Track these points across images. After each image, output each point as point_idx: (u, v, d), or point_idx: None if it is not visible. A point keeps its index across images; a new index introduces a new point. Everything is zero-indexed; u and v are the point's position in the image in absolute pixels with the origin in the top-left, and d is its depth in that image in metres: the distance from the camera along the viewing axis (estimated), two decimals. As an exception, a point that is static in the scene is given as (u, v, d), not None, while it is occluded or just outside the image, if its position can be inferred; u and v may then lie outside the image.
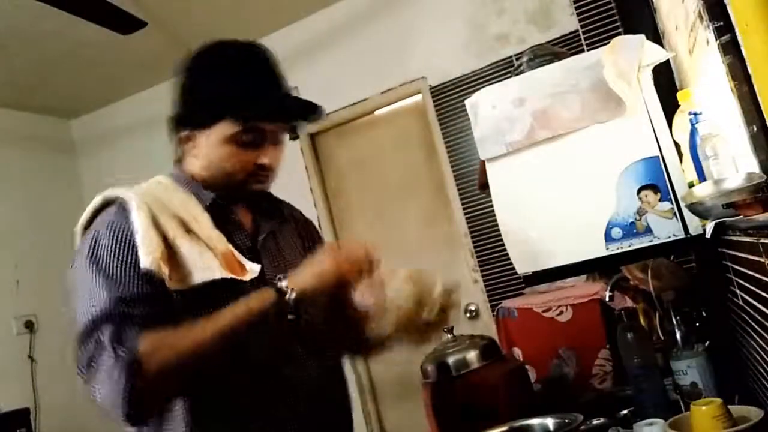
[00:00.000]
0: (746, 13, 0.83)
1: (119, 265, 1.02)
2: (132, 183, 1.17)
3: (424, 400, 1.55)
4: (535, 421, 1.30)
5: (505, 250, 1.36)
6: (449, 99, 3.14)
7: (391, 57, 3.27)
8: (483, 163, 1.39)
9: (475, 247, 3.09)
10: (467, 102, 1.38)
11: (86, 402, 0.98)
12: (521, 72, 1.44)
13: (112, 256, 1.02)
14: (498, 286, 3.04)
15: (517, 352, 2.13)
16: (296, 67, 3.48)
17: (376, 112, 3.42)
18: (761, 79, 0.85)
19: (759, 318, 1.01)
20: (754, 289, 0.99)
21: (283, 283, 1.04)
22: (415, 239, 3.31)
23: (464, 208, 3.11)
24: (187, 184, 1.17)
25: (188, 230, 1.09)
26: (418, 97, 3.27)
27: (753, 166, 0.95)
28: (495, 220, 1.37)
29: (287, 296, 1.03)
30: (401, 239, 3.33)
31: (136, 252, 1.02)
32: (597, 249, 1.27)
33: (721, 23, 0.95)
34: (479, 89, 1.38)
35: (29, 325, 3.31)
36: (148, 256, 1.01)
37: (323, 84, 3.43)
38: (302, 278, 1.06)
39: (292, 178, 3.47)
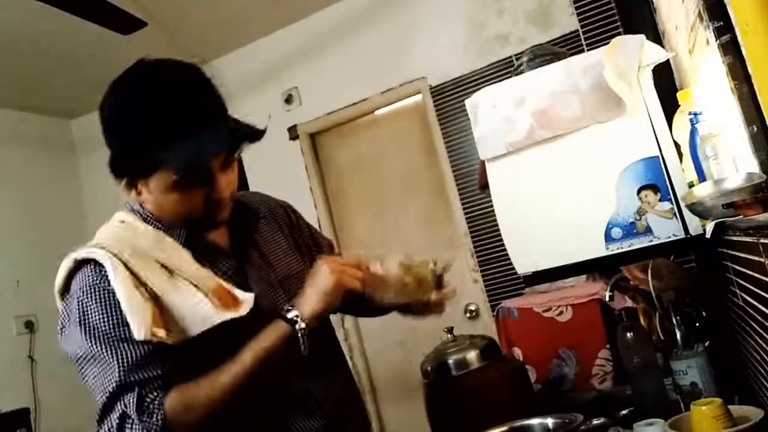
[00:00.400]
0: (746, 13, 0.83)
1: (115, 333, 0.99)
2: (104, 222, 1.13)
3: (425, 400, 1.55)
4: (535, 421, 1.30)
5: (505, 250, 1.36)
6: (449, 99, 3.14)
7: (391, 57, 3.27)
8: (483, 163, 1.39)
9: (475, 247, 3.09)
10: (467, 102, 1.38)
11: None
12: (521, 72, 1.44)
13: (105, 324, 1.00)
14: (498, 286, 3.04)
15: (517, 352, 2.13)
16: (296, 67, 3.49)
17: (376, 112, 3.42)
18: (761, 79, 0.85)
19: (759, 318, 1.01)
20: (754, 289, 0.99)
21: (293, 314, 1.03)
22: (415, 239, 3.31)
23: (464, 208, 3.11)
24: (152, 222, 1.11)
25: (171, 274, 1.04)
26: (418, 97, 3.27)
27: (753, 166, 0.95)
28: (495, 220, 1.37)
29: (299, 330, 1.02)
30: (401, 239, 3.33)
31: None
32: (597, 249, 1.26)
33: (721, 23, 0.95)
34: (479, 89, 1.38)
35: (29, 325, 3.31)
36: (141, 327, 0.97)
37: (323, 84, 3.43)
38: (309, 305, 1.04)
39: (292, 178, 3.47)
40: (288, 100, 3.53)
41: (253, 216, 1.25)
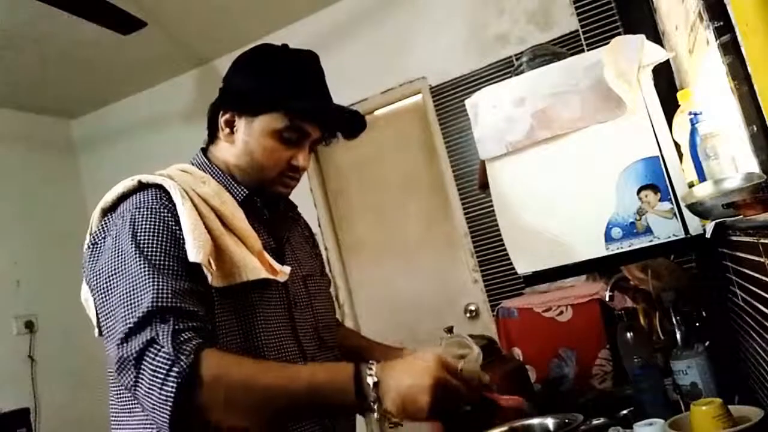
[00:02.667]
0: (746, 13, 0.83)
1: (166, 255, 0.94)
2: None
3: (424, 400, 1.55)
4: (535, 421, 1.30)
5: (505, 250, 1.36)
6: (449, 99, 3.14)
7: (391, 57, 3.27)
8: (483, 163, 1.39)
9: (475, 247, 3.09)
10: (467, 102, 1.39)
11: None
12: (521, 72, 1.44)
13: (156, 246, 0.95)
14: (498, 286, 3.04)
15: (517, 352, 2.13)
16: (296, 67, 3.49)
17: (376, 112, 3.41)
18: (761, 79, 0.85)
19: (759, 318, 1.01)
20: (754, 289, 0.99)
21: (371, 396, 0.87)
22: (415, 239, 3.31)
23: (464, 208, 3.11)
24: (216, 174, 1.13)
25: (225, 226, 1.04)
26: (418, 97, 3.27)
27: (753, 166, 0.95)
28: (495, 220, 1.37)
29: (372, 407, 0.87)
30: (401, 239, 3.33)
31: (181, 244, 0.95)
32: (597, 249, 1.27)
33: (721, 23, 0.95)
34: (479, 89, 1.38)
35: (29, 325, 3.30)
36: (200, 250, 0.94)
37: (323, 84, 3.43)
38: (396, 392, 0.87)
39: (292, 178, 3.47)
40: (288, 100, 3.53)
41: (293, 215, 1.29)
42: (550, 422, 1.27)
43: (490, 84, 1.39)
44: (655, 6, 1.82)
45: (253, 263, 1.02)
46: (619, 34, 2.59)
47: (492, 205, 1.38)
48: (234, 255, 1.01)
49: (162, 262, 0.94)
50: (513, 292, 2.86)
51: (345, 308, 3.38)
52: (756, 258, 0.89)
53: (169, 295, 0.91)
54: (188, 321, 0.91)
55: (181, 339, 0.88)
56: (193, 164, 1.16)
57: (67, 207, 3.74)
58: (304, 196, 3.42)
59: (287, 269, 1.10)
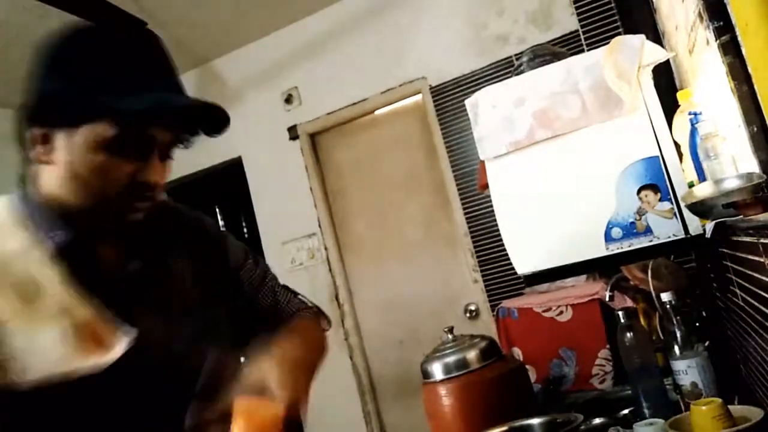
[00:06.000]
0: (746, 13, 0.83)
1: None
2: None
3: (424, 400, 1.55)
4: (535, 421, 1.30)
5: (505, 250, 1.36)
6: (449, 99, 3.14)
7: (391, 57, 3.27)
8: (483, 163, 1.39)
9: (475, 247, 3.09)
10: (467, 102, 1.39)
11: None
12: (521, 72, 1.44)
13: None
14: (498, 286, 3.04)
15: (517, 352, 2.13)
16: (296, 67, 3.49)
17: (376, 112, 3.42)
18: (761, 79, 0.85)
19: (759, 318, 1.01)
20: (754, 289, 0.99)
21: None
22: (415, 239, 3.31)
23: (464, 208, 3.11)
24: (37, 213, 0.87)
25: (30, 297, 0.80)
26: (418, 97, 3.27)
27: (753, 166, 0.95)
28: (495, 220, 1.37)
29: None
30: (401, 239, 3.33)
31: None
32: (597, 249, 1.27)
33: (721, 23, 0.95)
34: (479, 89, 1.38)
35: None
36: None
37: (323, 84, 3.43)
38: None
39: (292, 178, 3.47)
40: (288, 100, 3.53)
41: (171, 231, 1.01)
42: (550, 422, 1.28)
43: (490, 84, 1.39)
44: (655, 6, 1.82)
45: (49, 355, 0.78)
46: (619, 34, 2.59)
47: (492, 205, 1.38)
48: (20, 348, 0.77)
49: None
50: (513, 292, 2.87)
51: (345, 308, 3.38)
52: (756, 258, 0.89)
53: None
54: None
55: None
56: (11, 198, 0.91)
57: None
58: (304, 196, 3.42)
59: (121, 344, 0.82)
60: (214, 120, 0.90)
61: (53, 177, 0.87)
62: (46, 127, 0.86)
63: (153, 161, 0.87)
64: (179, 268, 0.98)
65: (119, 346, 0.82)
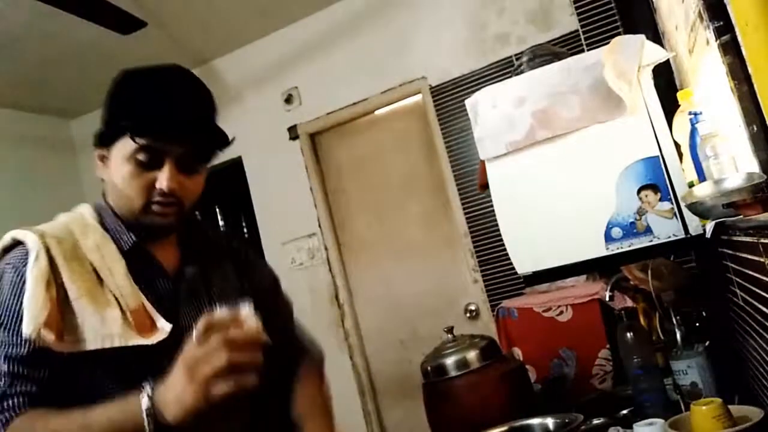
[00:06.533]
0: (746, 13, 0.83)
1: (13, 319, 0.96)
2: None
3: (424, 400, 1.55)
4: (535, 421, 1.30)
5: (505, 250, 1.36)
6: (449, 99, 3.14)
7: (391, 57, 3.27)
8: (483, 163, 1.39)
9: (475, 247, 3.09)
10: (467, 102, 1.39)
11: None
12: (521, 72, 1.44)
13: (8, 304, 0.97)
14: (498, 286, 3.04)
15: (517, 352, 2.13)
16: (296, 67, 3.50)
17: (376, 112, 3.42)
18: (761, 79, 0.85)
19: (759, 318, 1.01)
20: (754, 289, 0.99)
21: (146, 404, 0.87)
22: (415, 239, 3.31)
23: (464, 208, 3.11)
24: (109, 219, 1.10)
25: (101, 282, 1.02)
26: (418, 97, 3.27)
27: (753, 166, 0.95)
28: (495, 220, 1.37)
29: (147, 426, 0.87)
30: (401, 239, 3.33)
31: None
32: (597, 249, 1.27)
33: (721, 23, 0.95)
34: (479, 89, 1.38)
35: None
36: (30, 321, 0.93)
37: (323, 84, 3.44)
38: (167, 403, 0.87)
39: (292, 178, 3.47)
40: (288, 100, 3.53)
41: (218, 249, 1.22)
42: (550, 422, 1.28)
43: (490, 84, 1.39)
44: (655, 6, 1.82)
45: (110, 329, 0.97)
46: (619, 34, 2.59)
47: (492, 205, 1.38)
48: (83, 321, 0.96)
49: (8, 326, 0.96)
50: (513, 292, 2.87)
51: (345, 308, 3.38)
52: (756, 258, 0.89)
53: (7, 359, 0.95)
54: (20, 385, 0.94)
55: (5, 405, 0.92)
56: (96, 205, 1.13)
57: (66, 207, 3.73)
58: (304, 196, 3.42)
59: (167, 327, 1.01)
60: (212, 139, 1.09)
61: (109, 188, 1.11)
62: (102, 148, 1.09)
63: (167, 170, 1.04)
64: (224, 280, 1.18)
65: (159, 334, 1.00)
